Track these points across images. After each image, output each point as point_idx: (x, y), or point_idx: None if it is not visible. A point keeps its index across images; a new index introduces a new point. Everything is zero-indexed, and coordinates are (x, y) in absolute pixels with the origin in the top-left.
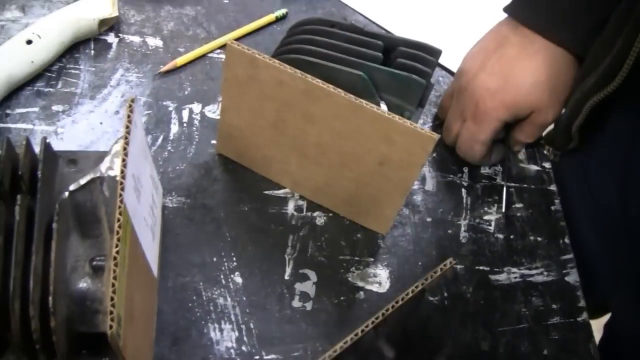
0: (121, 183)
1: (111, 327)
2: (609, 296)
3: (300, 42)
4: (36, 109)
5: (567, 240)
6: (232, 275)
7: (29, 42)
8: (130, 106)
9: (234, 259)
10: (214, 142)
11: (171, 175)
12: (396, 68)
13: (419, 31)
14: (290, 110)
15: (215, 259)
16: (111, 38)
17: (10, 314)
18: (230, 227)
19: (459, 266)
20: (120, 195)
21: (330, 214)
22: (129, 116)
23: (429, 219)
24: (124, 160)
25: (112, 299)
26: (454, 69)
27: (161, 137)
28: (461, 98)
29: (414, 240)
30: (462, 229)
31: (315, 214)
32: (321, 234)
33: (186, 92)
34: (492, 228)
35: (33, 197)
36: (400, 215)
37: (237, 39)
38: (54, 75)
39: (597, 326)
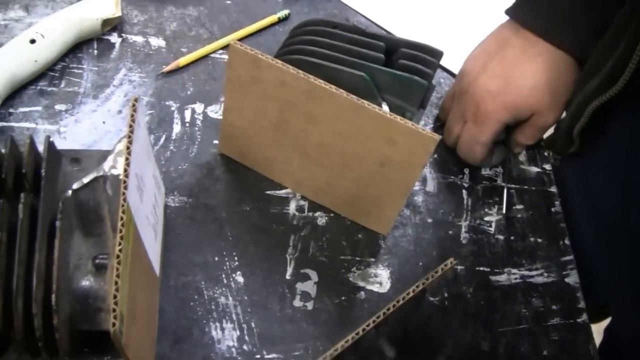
0: (124, 182)
1: (114, 324)
2: (609, 300)
3: (303, 43)
4: (39, 108)
5: (567, 242)
6: (233, 275)
7: (33, 41)
8: (133, 105)
9: (236, 258)
10: (216, 142)
11: (173, 175)
12: (398, 69)
13: (421, 33)
14: (293, 111)
15: (216, 259)
16: (114, 38)
17: (13, 312)
18: (232, 226)
19: (459, 267)
20: (124, 194)
21: (332, 214)
22: (132, 115)
23: (429, 220)
24: (127, 159)
25: (114, 296)
26: (456, 71)
27: (163, 137)
28: (462, 100)
29: (414, 241)
30: (463, 229)
31: (317, 214)
32: (322, 234)
33: (189, 92)
34: (492, 229)
35: (36, 195)
36: (401, 215)
37: (240, 40)
38: (57, 74)
39: (597, 329)
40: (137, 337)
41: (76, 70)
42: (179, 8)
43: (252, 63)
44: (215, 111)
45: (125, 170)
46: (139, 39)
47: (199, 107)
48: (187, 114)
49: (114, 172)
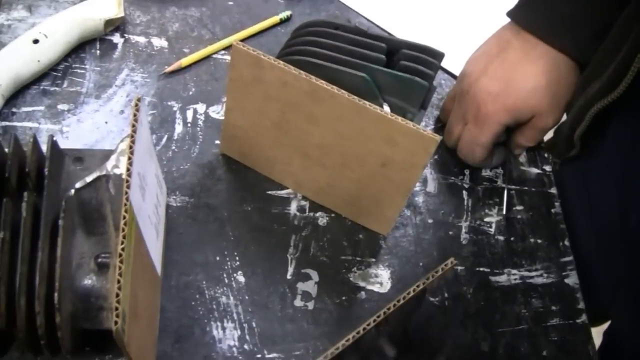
0: (127, 181)
1: (116, 323)
2: (609, 304)
3: (305, 44)
4: (42, 108)
5: (566, 243)
6: (234, 274)
7: (36, 41)
8: (136, 105)
9: (237, 258)
10: (217, 142)
11: (175, 175)
12: (399, 70)
13: (422, 34)
14: (294, 111)
15: (218, 258)
16: (117, 38)
17: (16, 310)
18: (233, 226)
19: (459, 267)
20: (126, 193)
21: (333, 215)
22: (135, 115)
23: (430, 220)
24: (130, 158)
25: (117, 295)
26: (457, 72)
27: (165, 137)
28: (463, 101)
29: (415, 241)
30: (463, 230)
31: (318, 214)
32: (323, 234)
33: (190, 93)
34: (492, 230)
35: (39, 194)
36: (402, 216)
37: (242, 41)
38: (59, 74)
39: (597, 332)
40: (139, 336)
41: (79, 70)
42: (181, 9)
43: (255, 63)
44: (217, 111)
45: (128, 170)
46: (142, 39)
47: (200, 107)
48: (189, 114)
49: (117, 171)
